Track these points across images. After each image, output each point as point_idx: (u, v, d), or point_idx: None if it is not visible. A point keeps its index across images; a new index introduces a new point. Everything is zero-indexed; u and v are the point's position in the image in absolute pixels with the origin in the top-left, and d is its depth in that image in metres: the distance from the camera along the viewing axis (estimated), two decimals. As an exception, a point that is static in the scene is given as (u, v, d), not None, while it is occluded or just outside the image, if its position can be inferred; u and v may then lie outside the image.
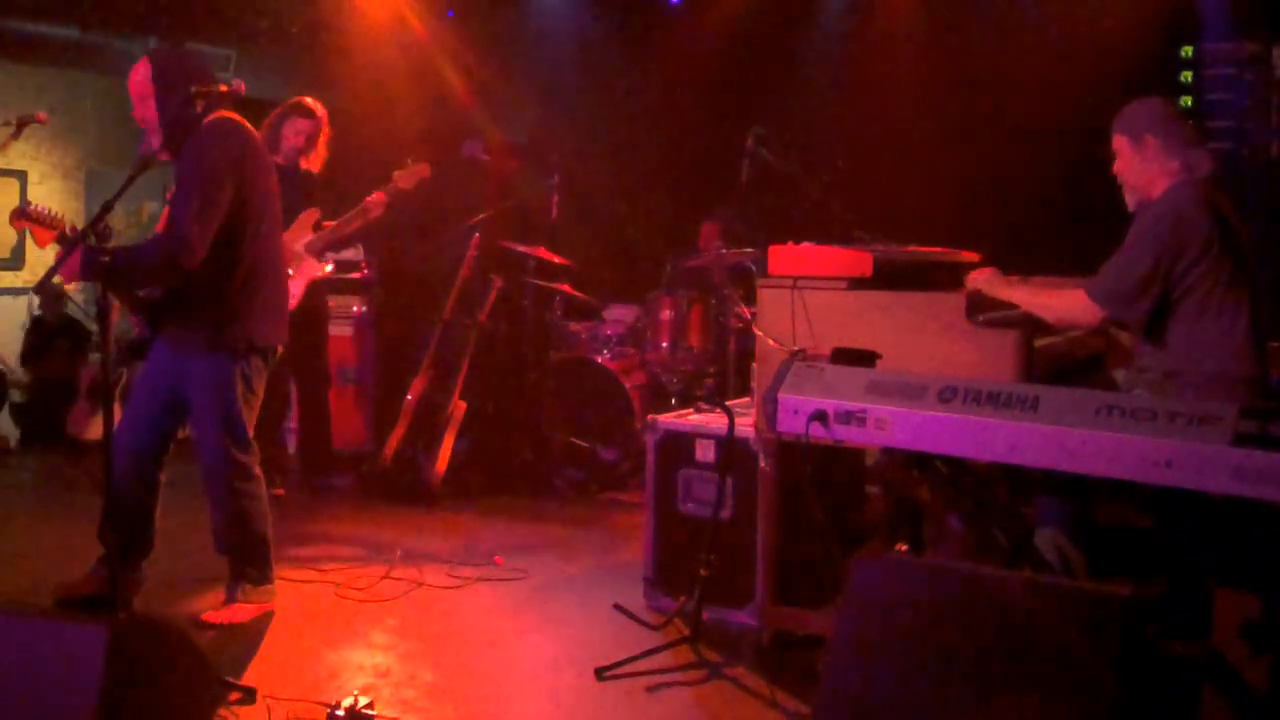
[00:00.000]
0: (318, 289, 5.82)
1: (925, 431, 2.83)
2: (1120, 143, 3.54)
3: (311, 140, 5.73)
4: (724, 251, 6.06)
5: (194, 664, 2.99)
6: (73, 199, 8.41)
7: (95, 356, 7.42)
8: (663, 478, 4.18)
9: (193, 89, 3.70)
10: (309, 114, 5.73)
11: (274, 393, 5.77)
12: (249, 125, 3.90)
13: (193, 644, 3.06)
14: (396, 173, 5.78)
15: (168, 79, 3.79)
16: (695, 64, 8.13)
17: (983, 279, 3.68)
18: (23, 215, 4.43)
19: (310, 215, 5.71)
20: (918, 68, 7.54)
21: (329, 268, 5.79)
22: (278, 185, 4.05)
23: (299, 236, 5.64)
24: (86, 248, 3.50)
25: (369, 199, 5.70)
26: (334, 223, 5.70)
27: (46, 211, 4.30)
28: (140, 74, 3.83)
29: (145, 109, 3.83)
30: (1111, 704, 2.26)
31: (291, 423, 6.77)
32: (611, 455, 6.09)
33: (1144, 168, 3.48)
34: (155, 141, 3.80)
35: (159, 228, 4.05)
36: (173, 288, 3.81)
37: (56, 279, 3.68)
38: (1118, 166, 3.57)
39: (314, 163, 5.82)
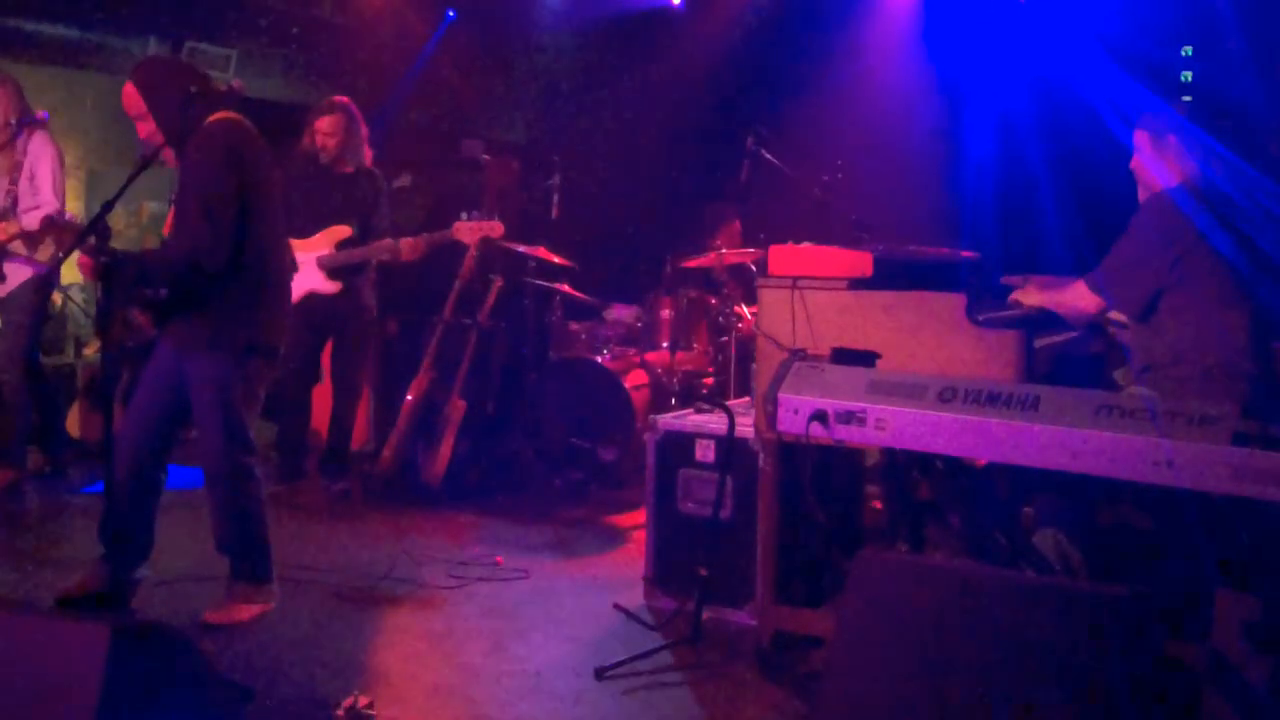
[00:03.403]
0: (347, 299, 5.78)
1: (925, 431, 2.84)
2: (1141, 139, 3.58)
3: (336, 136, 5.66)
4: (723, 252, 6.06)
5: (194, 664, 2.99)
6: (73, 199, 8.38)
7: (94, 356, 7.42)
8: (663, 478, 4.18)
9: (190, 89, 3.70)
10: (324, 111, 5.68)
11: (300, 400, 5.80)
12: (248, 123, 3.90)
13: (193, 644, 3.07)
14: (461, 223, 5.62)
15: (156, 90, 3.78)
16: (696, 64, 8.14)
17: (1023, 295, 3.74)
18: (50, 225, 4.47)
19: (339, 231, 5.66)
20: (917, 68, 7.54)
21: (336, 287, 5.69)
22: (282, 185, 4.05)
23: (318, 247, 5.61)
24: (98, 248, 3.52)
25: (405, 242, 5.63)
26: (359, 250, 5.67)
27: (73, 219, 4.33)
28: (129, 95, 3.82)
29: (146, 126, 3.83)
30: (1111, 704, 2.26)
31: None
32: (611, 455, 6.09)
33: (1161, 164, 3.51)
34: (166, 154, 3.78)
35: (166, 229, 4.06)
36: (175, 286, 3.82)
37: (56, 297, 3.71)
38: (1135, 162, 3.60)
39: (358, 158, 5.74)
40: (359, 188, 5.76)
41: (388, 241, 5.67)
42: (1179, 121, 3.54)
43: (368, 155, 5.82)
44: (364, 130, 5.78)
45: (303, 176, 5.70)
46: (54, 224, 4.50)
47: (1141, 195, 3.58)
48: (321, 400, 6.03)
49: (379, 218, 5.81)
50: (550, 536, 5.24)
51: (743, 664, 3.66)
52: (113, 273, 3.51)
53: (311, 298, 5.60)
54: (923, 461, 3.18)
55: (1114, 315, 3.69)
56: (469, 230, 5.63)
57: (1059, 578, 3.12)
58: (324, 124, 5.65)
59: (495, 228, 5.64)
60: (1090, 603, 2.37)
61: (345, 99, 5.76)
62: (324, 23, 7.88)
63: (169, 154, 3.80)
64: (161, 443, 3.93)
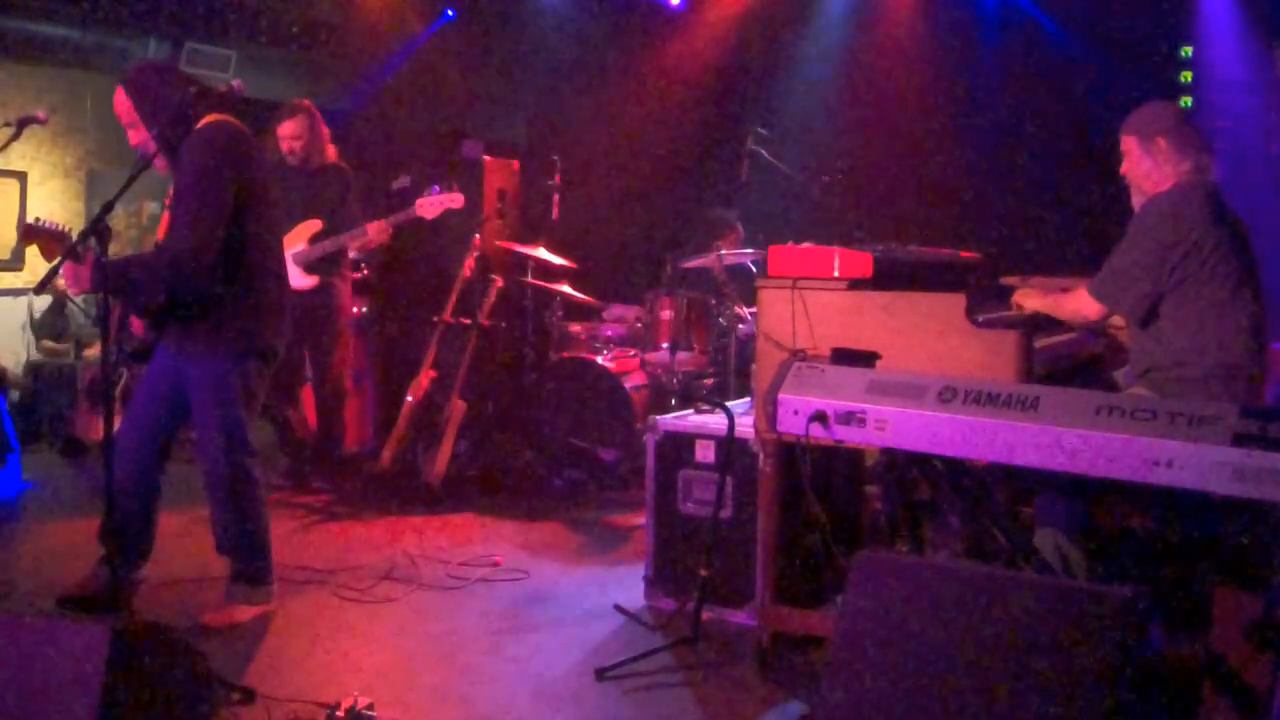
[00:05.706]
0: (323, 296, 5.79)
1: (925, 432, 2.83)
2: (1129, 143, 3.53)
3: (302, 138, 5.72)
4: (723, 252, 6.06)
5: (194, 665, 2.99)
6: (73, 199, 8.41)
7: (94, 356, 7.42)
8: (663, 478, 4.18)
9: (178, 95, 3.70)
10: (287, 115, 5.73)
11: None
12: (242, 126, 3.88)
13: (193, 645, 3.07)
14: (421, 199, 5.68)
15: (147, 95, 3.77)
16: (695, 64, 8.14)
17: (1025, 299, 3.72)
18: (33, 232, 4.44)
19: (310, 226, 5.70)
20: (917, 68, 7.55)
21: (313, 282, 5.73)
22: (275, 186, 4.05)
23: (292, 243, 5.62)
24: (96, 255, 3.50)
25: (371, 225, 5.66)
26: (329, 240, 5.69)
27: (55, 226, 4.31)
28: (120, 103, 3.81)
29: (138, 134, 3.83)
30: (1111, 704, 2.26)
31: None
32: (611, 455, 6.09)
33: (1153, 169, 3.47)
34: (158, 161, 3.77)
35: (160, 232, 4.05)
36: (170, 289, 3.81)
37: (59, 284, 3.67)
38: (1126, 167, 3.56)
39: (322, 156, 5.80)
40: (325, 184, 5.82)
41: (356, 230, 5.69)
42: (1168, 122, 3.50)
43: (331, 152, 5.86)
44: (324, 129, 5.84)
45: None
46: (36, 230, 4.44)
47: (1135, 200, 3.56)
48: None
49: (346, 211, 5.85)
50: (550, 536, 5.24)
51: (743, 664, 3.66)
52: (108, 277, 3.49)
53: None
54: (923, 461, 3.18)
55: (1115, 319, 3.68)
56: (430, 206, 5.68)
57: (1059, 578, 3.12)
58: (287, 128, 5.72)
59: (455, 199, 5.70)
60: (1090, 603, 2.36)
61: (306, 101, 5.82)
62: (324, 23, 7.89)
63: (161, 162, 3.78)
64: (161, 444, 3.93)
